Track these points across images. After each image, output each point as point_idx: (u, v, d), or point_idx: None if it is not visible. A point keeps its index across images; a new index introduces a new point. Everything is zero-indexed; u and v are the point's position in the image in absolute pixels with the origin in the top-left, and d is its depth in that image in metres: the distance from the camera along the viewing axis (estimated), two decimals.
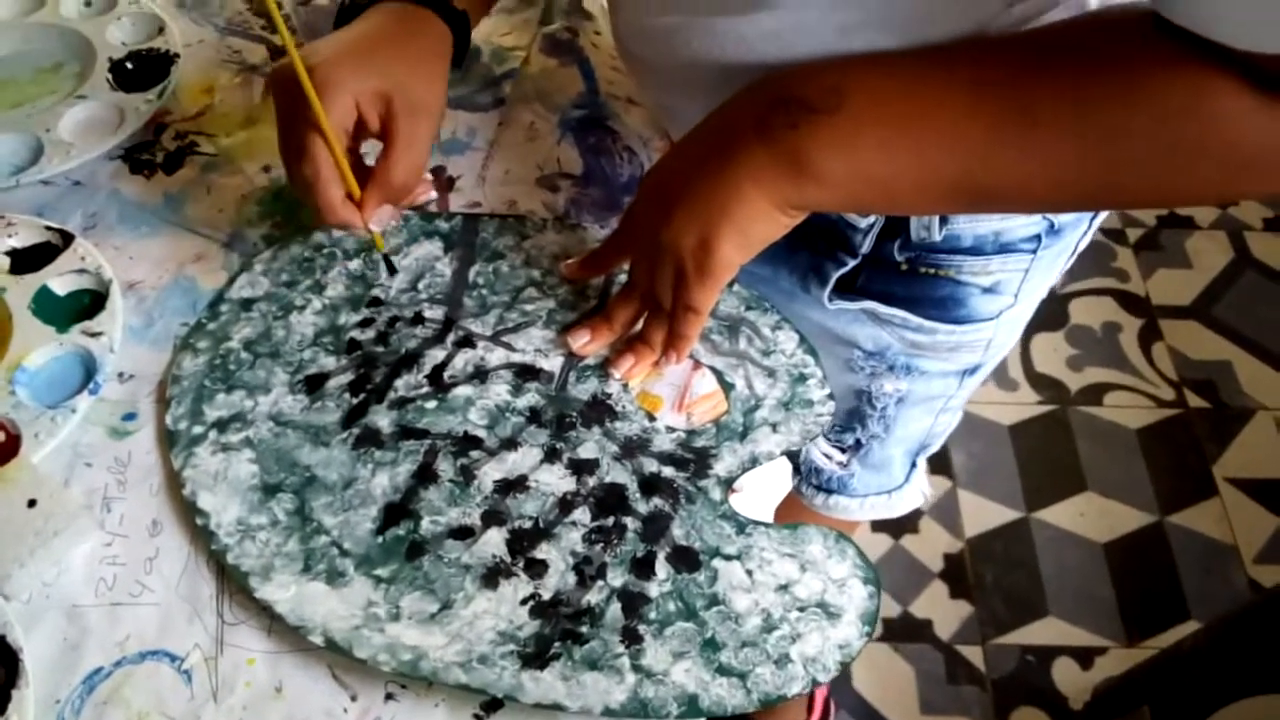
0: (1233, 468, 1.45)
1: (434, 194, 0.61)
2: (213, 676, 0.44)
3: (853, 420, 0.73)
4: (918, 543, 1.41)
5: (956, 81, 0.46)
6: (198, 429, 0.50)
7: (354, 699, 0.43)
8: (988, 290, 0.64)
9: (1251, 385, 1.54)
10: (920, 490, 0.80)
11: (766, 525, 0.48)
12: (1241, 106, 0.40)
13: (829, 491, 0.77)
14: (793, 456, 0.77)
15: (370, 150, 0.53)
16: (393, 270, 0.57)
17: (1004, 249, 0.62)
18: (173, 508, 0.48)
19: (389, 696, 0.44)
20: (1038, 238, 0.62)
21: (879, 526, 1.41)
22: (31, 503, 0.46)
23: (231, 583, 0.46)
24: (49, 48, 0.70)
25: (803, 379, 0.54)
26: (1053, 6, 0.48)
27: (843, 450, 0.75)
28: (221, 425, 0.50)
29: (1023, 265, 0.63)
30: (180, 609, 0.45)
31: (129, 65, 0.68)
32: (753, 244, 0.50)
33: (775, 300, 0.62)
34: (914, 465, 0.79)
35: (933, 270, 0.63)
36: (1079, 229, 0.65)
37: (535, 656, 0.43)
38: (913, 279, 0.63)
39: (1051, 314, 1.65)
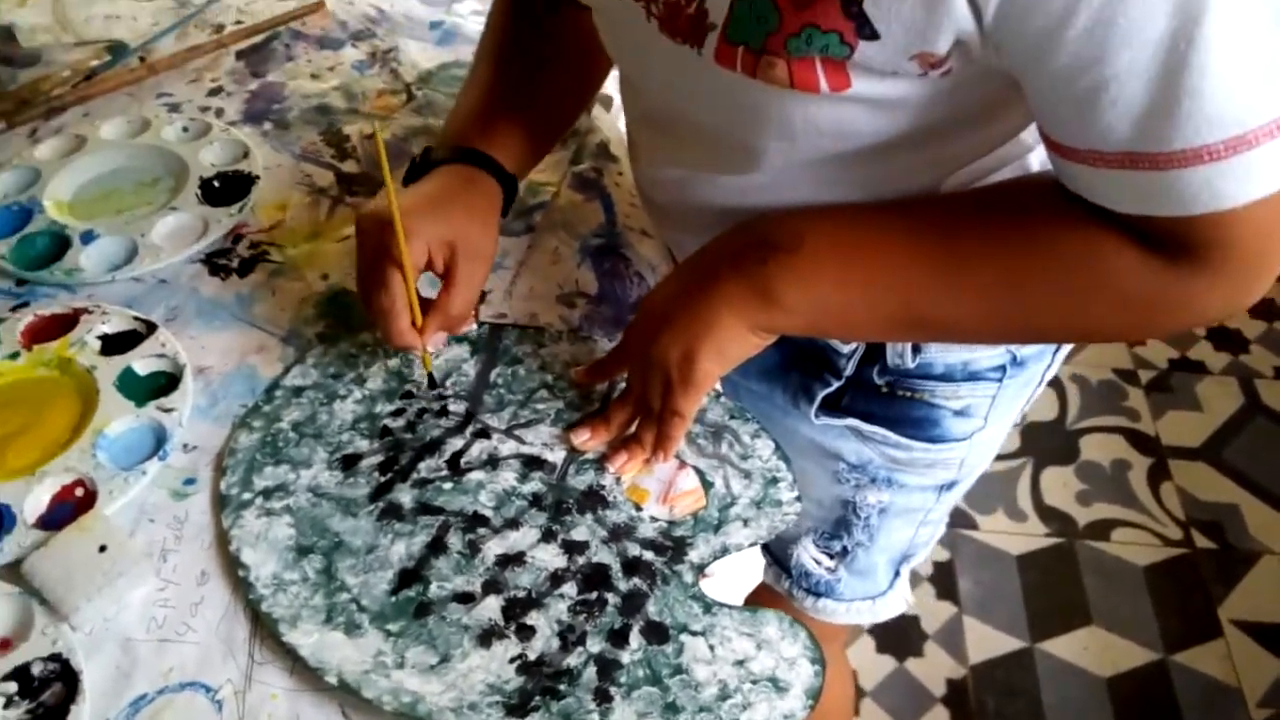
0: (1238, 610, 1.47)
1: (474, 325, 0.69)
2: (240, 707, 0.50)
3: (840, 529, 0.79)
4: (922, 666, 1.43)
5: (901, 231, 0.55)
6: (246, 495, 0.58)
7: None
8: (959, 414, 0.72)
9: (1259, 529, 1.56)
10: (903, 598, 0.85)
11: (730, 607, 0.54)
12: (1129, 260, 0.49)
13: (817, 595, 0.83)
14: (782, 561, 0.83)
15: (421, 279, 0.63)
16: (434, 385, 0.65)
17: (973, 377, 0.69)
18: (219, 562, 0.56)
19: None
20: (1003, 368, 0.70)
21: (884, 648, 1.45)
22: (102, 548, 0.54)
23: (263, 628, 0.53)
24: (150, 165, 0.81)
25: (774, 481, 0.61)
26: (995, 170, 0.57)
27: (831, 556, 0.81)
28: (267, 493, 0.58)
29: (990, 392, 0.71)
30: (218, 648, 0.52)
31: (216, 183, 0.78)
32: (728, 360, 0.58)
33: (770, 415, 0.70)
34: (897, 574, 0.84)
35: (909, 394, 0.70)
36: (1043, 361, 0.72)
37: (518, 707, 0.50)
38: (892, 401, 0.71)
39: (1062, 449, 1.70)
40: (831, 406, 0.72)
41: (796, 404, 0.73)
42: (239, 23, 0.98)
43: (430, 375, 0.65)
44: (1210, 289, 0.49)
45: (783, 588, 0.84)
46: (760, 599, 0.67)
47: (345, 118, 0.86)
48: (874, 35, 0.45)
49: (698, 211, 0.64)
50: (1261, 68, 0.41)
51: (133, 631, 0.53)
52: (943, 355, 0.68)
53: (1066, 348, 0.76)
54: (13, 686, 0.50)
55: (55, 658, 0.51)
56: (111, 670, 0.52)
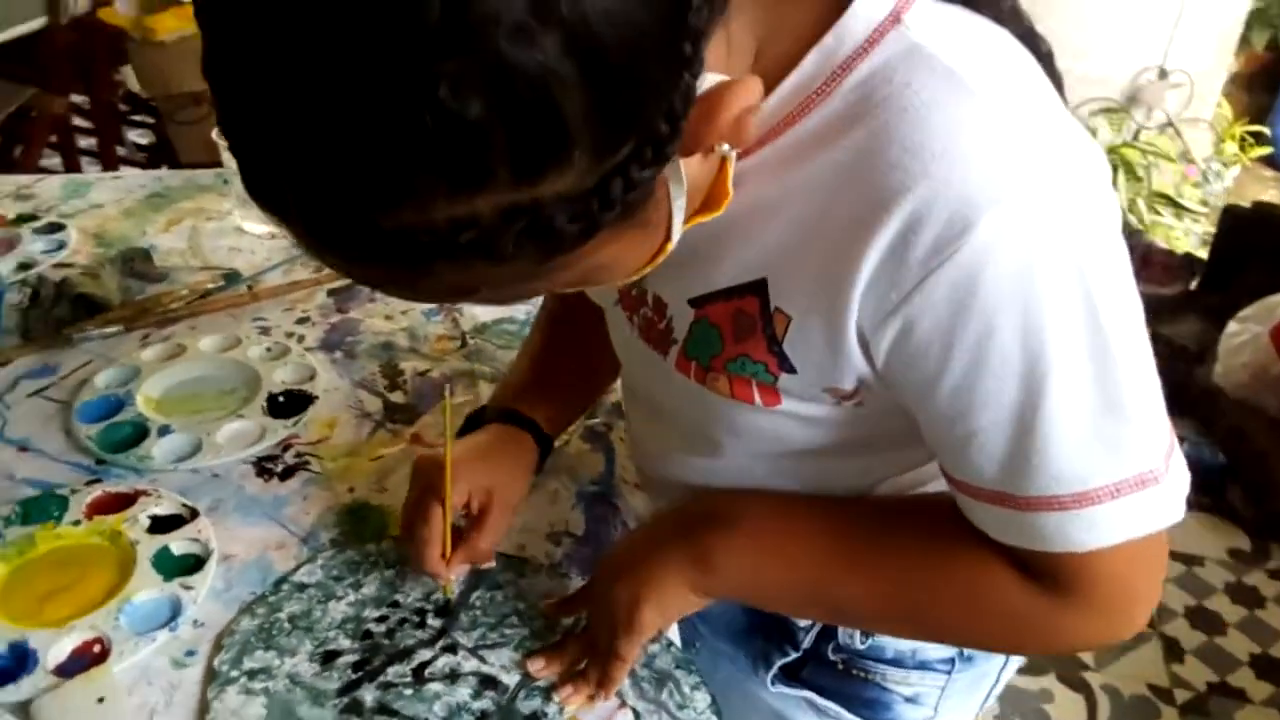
0: None
1: (494, 562, 0.78)
2: None
3: None
4: None
5: (823, 526, 0.63)
6: (234, 673, 0.66)
7: None
8: (909, 700, 0.76)
9: None
10: None
11: None
12: (1010, 583, 0.56)
13: None
14: None
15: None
16: (447, 610, 0.73)
17: (922, 665, 0.75)
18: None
19: None
20: (952, 660, 0.74)
21: None
22: (100, 699, 0.62)
23: None
24: (231, 376, 0.95)
25: None
26: (929, 481, 0.65)
27: None
28: (252, 674, 0.66)
29: (939, 683, 0.75)
30: None
31: (281, 398, 0.91)
32: (668, 613, 0.66)
33: (734, 676, 0.76)
34: None
35: (863, 674, 0.75)
36: (994, 660, 0.77)
37: None
38: (846, 679, 0.76)
39: None
40: (792, 676, 0.77)
41: (755, 669, 0.78)
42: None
43: (448, 600, 0.73)
44: (1083, 620, 0.56)
45: None
46: None
47: (404, 355, 1.00)
48: (792, 370, 0.55)
49: (672, 483, 0.73)
50: (1098, 442, 0.50)
51: None
52: (894, 640, 0.74)
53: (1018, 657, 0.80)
54: None
55: None
56: None
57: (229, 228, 1.22)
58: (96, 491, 0.80)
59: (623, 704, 0.67)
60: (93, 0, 2.49)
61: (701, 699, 0.69)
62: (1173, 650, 1.84)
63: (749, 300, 0.54)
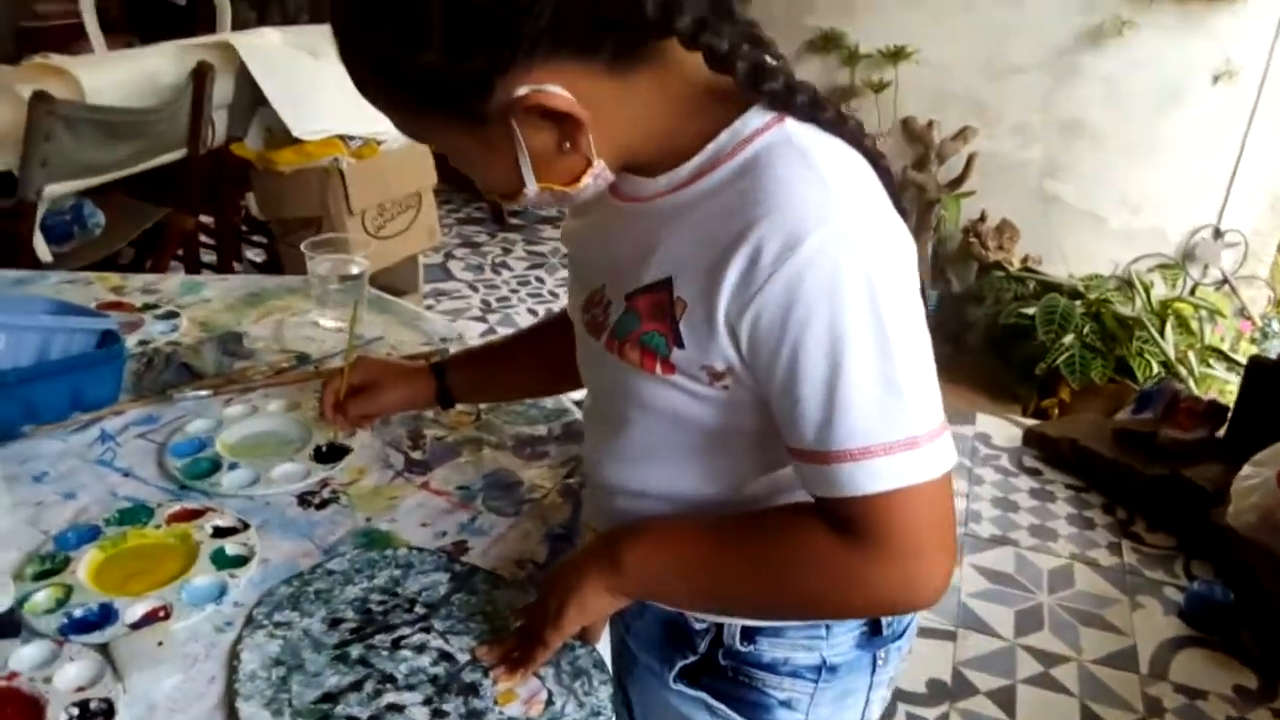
0: None
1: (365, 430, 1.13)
2: None
3: None
4: None
5: (704, 537, 0.85)
6: (265, 622, 0.89)
7: None
8: (784, 704, 0.93)
9: None
10: None
11: None
12: (825, 541, 0.76)
13: None
14: None
15: None
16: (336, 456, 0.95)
17: (793, 673, 0.92)
18: (224, 677, 0.85)
19: None
20: (818, 670, 0.92)
21: None
22: (159, 643, 0.85)
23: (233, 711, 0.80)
24: (289, 431, 1.20)
25: (595, 714, 0.84)
26: (779, 492, 0.85)
27: None
28: (277, 624, 0.89)
29: (808, 690, 0.93)
30: None
31: (324, 449, 1.15)
32: (588, 612, 0.86)
33: (650, 682, 0.95)
34: None
35: (746, 679, 0.94)
36: (859, 674, 0.94)
37: None
38: (734, 683, 0.94)
39: None
40: (692, 681, 0.95)
41: (662, 670, 0.97)
42: (388, 354, 1.40)
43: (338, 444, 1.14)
44: (882, 567, 0.76)
45: None
46: None
47: (428, 424, 1.23)
48: (682, 345, 0.77)
49: (600, 486, 0.95)
50: (878, 409, 0.71)
51: (157, 702, 0.82)
52: (770, 649, 0.92)
53: (885, 675, 0.97)
54: (76, 710, 0.79)
55: (106, 700, 0.80)
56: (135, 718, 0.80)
57: (307, 322, 1.49)
58: (175, 507, 1.04)
59: (542, 685, 0.87)
60: (226, 135, 2.91)
61: (604, 691, 0.87)
62: None
63: (662, 293, 0.78)
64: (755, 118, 0.74)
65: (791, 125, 0.74)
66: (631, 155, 0.78)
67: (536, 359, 1.13)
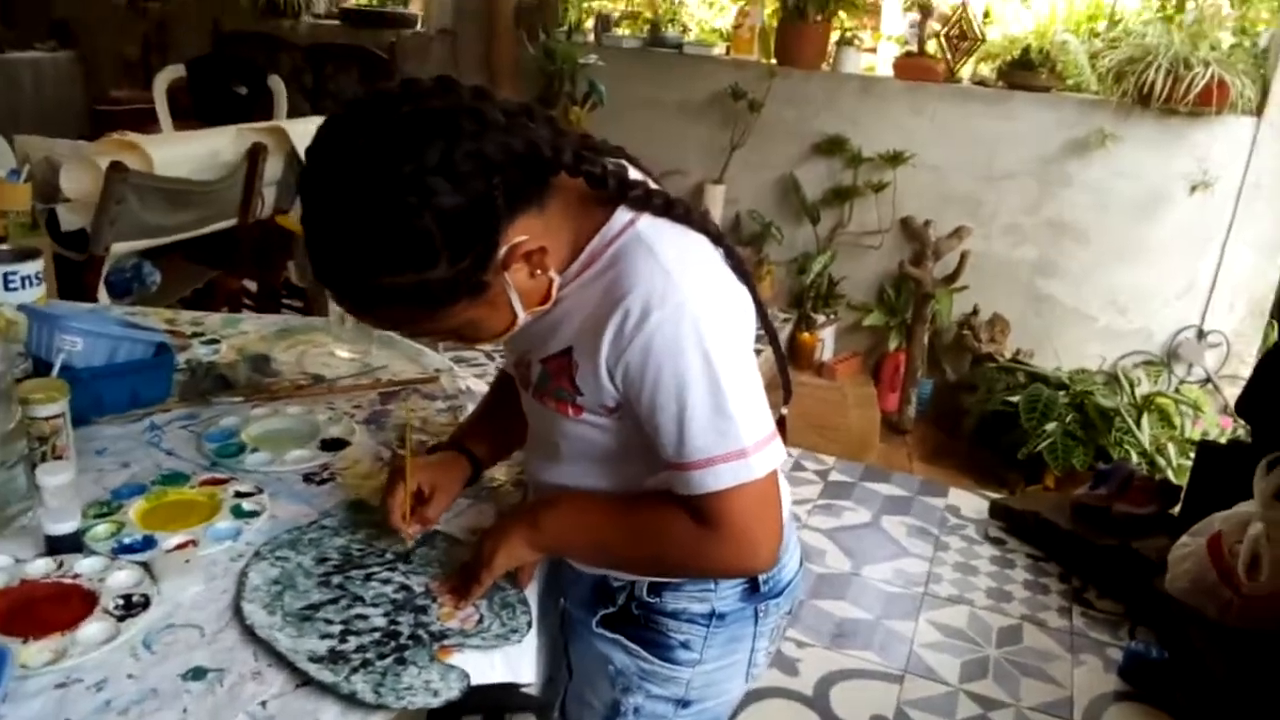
0: None
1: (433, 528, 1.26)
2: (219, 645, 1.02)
3: (609, 718, 1.21)
4: None
5: (603, 507, 1.11)
6: (268, 555, 1.14)
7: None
8: (683, 645, 1.17)
9: None
10: None
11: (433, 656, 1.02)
12: (682, 524, 1.01)
13: None
14: None
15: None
16: (408, 556, 1.19)
17: (690, 620, 1.16)
18: (233, 593, 1.10)
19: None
20: (709, 617, 1.15)
21: None
22: (187, 560, 1.11)
23: (240, 616, 1.06)
24: (303, 428, 1.47)
25: (511, 633, 1.09)
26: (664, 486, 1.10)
27: None
28: (277, 558, 1.14)
29: (701, 634, 1.16)
30: (213, 626, 1.05)
31: (329, 441, 1.42)
32: (513, 558, 1.12)
33: (581, 630, 1.20)
34: None
35: (653, 625, 1.17)
36: (743, 624, 1.17)
37: (326, 658, 0.98)
38: (644, 628, 1.17)
39: None
40: (611, 625, 1.19)
41: (587, 619, 1.20)
42: (389, 380, 1.68)
43: (409, 550, 1.20)
44: (721, 546, 1.01)
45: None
46: None
47: (414, 431, 1.50)
48: (581, 394, 1.03)
49: (539, 483, 1.20)
50: (713, 431, 0.97)
51: (183, 601, 1.07)
52: (672, 601, 1.15)
53: (767, 627, 1.20)
54: (122, 601, 1.05)
55: (145, 596, 1.06)
56: (162, 613, 1.05)
57: (325, 353, 1.78)
58: (206, 475, 1.31)
59: (477, 610, 1.11)
60: (274, 207, 3.26)
61: (523, 619, 1.12)
62: None
63: (564, 358, 1.04)
64: (619, 219, 0.99)
65: (643, 224, 0.99)
66: (560, 262, 1.02)
67: (518, 408, 1.33)
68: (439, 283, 0.91)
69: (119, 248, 2.77)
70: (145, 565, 1.11)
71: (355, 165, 0.88)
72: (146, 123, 4.11)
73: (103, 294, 2.80)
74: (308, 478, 1.35)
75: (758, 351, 1.06)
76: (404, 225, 0.88)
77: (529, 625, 1.11)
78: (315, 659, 0.99)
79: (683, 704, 1.19)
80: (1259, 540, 2.37)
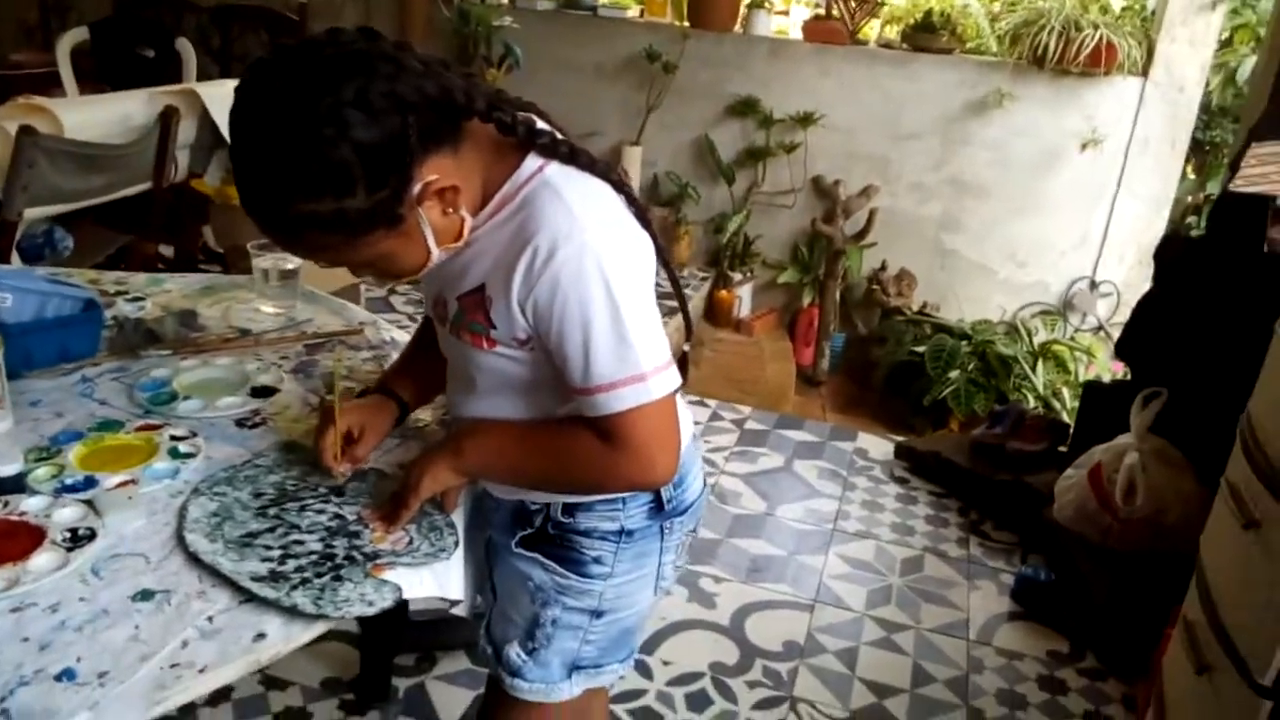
0: None
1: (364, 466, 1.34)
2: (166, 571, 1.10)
3: (529, 636, 1.31)
4: None
5: (519, 434, 1.21)
6: (206, 490, 1.22)
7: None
8: (595, 560, 1.27)
9: None
10: (570, 691, 1.33)
11: (367, 573, 1.11)
12: (588, 442, 1.12)
13: (512, 675, 1.33)
14: (498, 652, 1.34)
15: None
16: (341, 492, 1.27)
17: (601, 537, 1.26)
18: (173, 526, 1.17)
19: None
20: (618, 534, 1.26)
21: None
22: (129, 498, 1.18)
23: (183, 543, 1.13)
24: (232, 378, 1.53)
25: (439, 552, 1.18)
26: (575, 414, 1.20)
27: (527, 653, 1.32)
28: (214, 494, 1.21)
29: (612, 550, 1.27)
30: (159, 554, 1.13)
31: (259, 389, 1.49)
32: (438, 482, 1.21)
33: (503, 552, 1.29)
34: (569, 675, 1.33)
35: (568, 544, 1.28)
36: (650, 540, 1.28)
37: (266, 578, 1.07)
38: (559, 546, 1.28)
39: None
40: (530, 545, 1.29)
41: (508, 540, 1.30)
42: (315, 332, 1.75)
43: (339, 486, 1.28)
44: (625, 462, 1.11)
45: (495, 669, 1.35)
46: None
47: (340, 377, 1.57)
48: (495, 327, 1.12)
49: (461, 418, 1.29)
50: (614, 357, 1.06)
51: (127, 534, 1.14)
52: (584, 520, 1.26)
53: (673, 542, 1.31)
54: (69, 534, 1.12)
55: (90, 529, 1.13)
56: (108, 544, 1.12)
57: (250, 309, 1.83)
58: (139, 422, 1.37)
59: (406, 534, 1.20)
60: (188, 171, 3.25)
61: (450, 540, 1.21)
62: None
63: (478, 294, 1.13)
64: (528, 165, 1.09)
65: (550, 170, 1.08)
66: (473, 205, 1.11)
67: (440, 354, 1.41)
68: (356, 212, 0.99)
69: (31, 213, 2.75)
70: (89, 503, 1.18)
71: (278, 100, 0.96)
72: (49, 87, 4.02)
73: (15, 261, 2.78)
74: (240, 422, 1.42)
75: (665, 322, 1.15)
76: (322, 154, 0.95)
77: (456, 545, 1.21)
78: (257, 578, 1.08)
79: (596, 614, 1.30)
80: (1135, 469, 2.58)
